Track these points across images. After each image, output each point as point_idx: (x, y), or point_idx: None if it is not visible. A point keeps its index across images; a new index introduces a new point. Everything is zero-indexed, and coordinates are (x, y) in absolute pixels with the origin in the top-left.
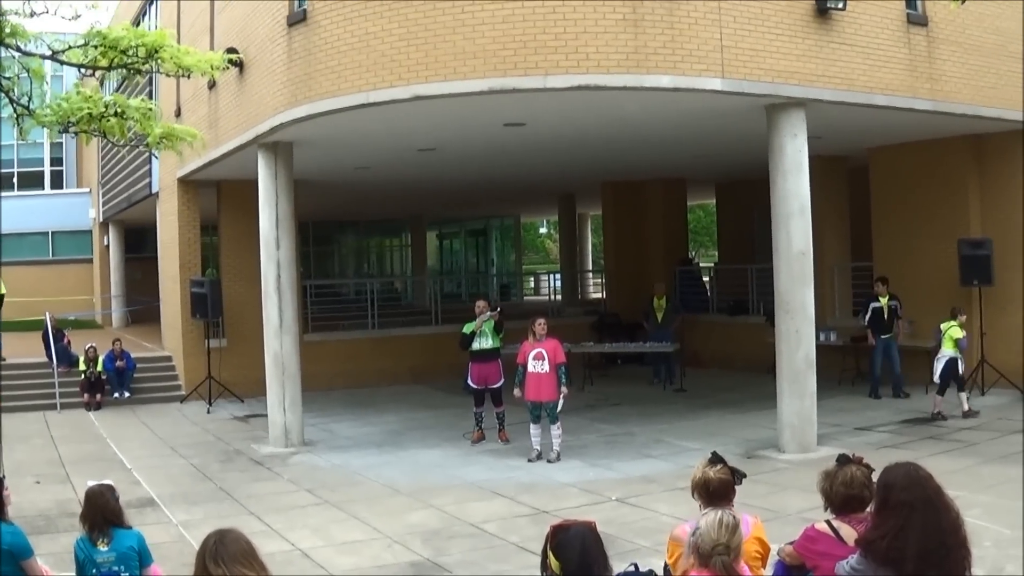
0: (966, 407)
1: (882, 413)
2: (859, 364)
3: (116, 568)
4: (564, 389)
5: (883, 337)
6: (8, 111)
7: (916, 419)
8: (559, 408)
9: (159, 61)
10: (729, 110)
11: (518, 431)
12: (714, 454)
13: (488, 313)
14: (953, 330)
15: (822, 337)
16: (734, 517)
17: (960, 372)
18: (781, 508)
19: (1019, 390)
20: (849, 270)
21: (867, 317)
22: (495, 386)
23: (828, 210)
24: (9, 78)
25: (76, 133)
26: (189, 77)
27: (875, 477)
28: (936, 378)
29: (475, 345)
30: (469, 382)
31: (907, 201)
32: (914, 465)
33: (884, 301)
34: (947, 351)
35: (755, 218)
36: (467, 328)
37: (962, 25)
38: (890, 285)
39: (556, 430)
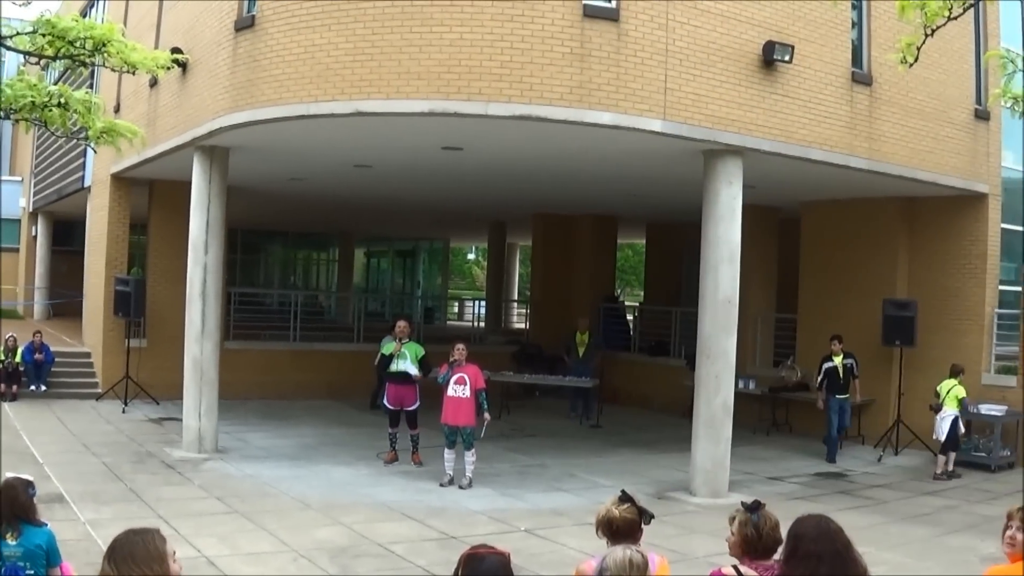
0: (951, 467)
1: (795, 464)
2: (775, 414)
3: (21, 564)
4: (486, 415)
5: (838, 397)
6: None
7: (828, 473)
8: (481, 433)
9: (106, 55)
10: (667, 152)
11: (432, 454)
12: (623, 492)
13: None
14: (956, 389)
15: (741, 385)
16: (642, 555)
17: (959, 431)
18: (689, 551)
19: (933, 453)
20: (773, 320)
21: (819, 378)
22: (410, 408)
23: (757, 259)
24: None
25: (16, 120)
26: (134, 73)
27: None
28: (941, 437)
29: (393, 367)
30: (385, 402)
31: (836, 257)
32: (825, 518)
33: (839, 360)
34: (950, 410)
35: (683, 261)
36: (386, 349)
37: (906, 88)
38: (842, 342)
39: (470, 456)
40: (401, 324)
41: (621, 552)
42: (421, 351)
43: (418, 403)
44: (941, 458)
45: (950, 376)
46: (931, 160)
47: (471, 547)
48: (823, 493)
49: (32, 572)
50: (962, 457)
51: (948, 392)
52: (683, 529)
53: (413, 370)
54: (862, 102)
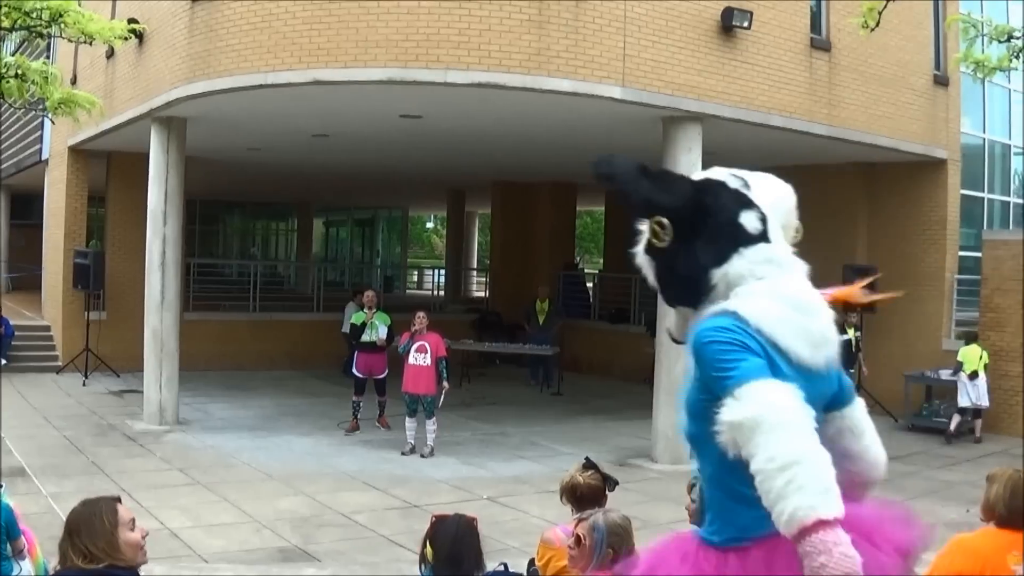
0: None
1: None
2: None
3: None
4: (445, 384)
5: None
6: None
7: None
8: (440, 402)
9: (63, 25)
10: (626, 119)
11: (394, 423)
12: (587, 460)
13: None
14: (984, 355)
15: None
16: (626, 516)
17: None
18: (651, 517)
19: (893, 418)
20: None
21: None
22: (380, 376)
23: None
24: None
25: None
26: (92, 44)
27: None
28: (984, 402)
29: (365, 336)
30: (354, 371)
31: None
32: None
33: (852, 333)
34: (983, 375)
35: None
36: (356, 319)
37: (865, 54)
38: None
39: (431, 425)
40: (369, 294)
41: (616, 515)
42: (388, 320)
43: (387, 371)
44: (957, 418)
45: (967, 343)
46: (890, 126)
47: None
48: None
49: None
50: (922, 423)
51: (980, 359)
52: (645, 496)
53: (386, 337)
54: (821, 68)
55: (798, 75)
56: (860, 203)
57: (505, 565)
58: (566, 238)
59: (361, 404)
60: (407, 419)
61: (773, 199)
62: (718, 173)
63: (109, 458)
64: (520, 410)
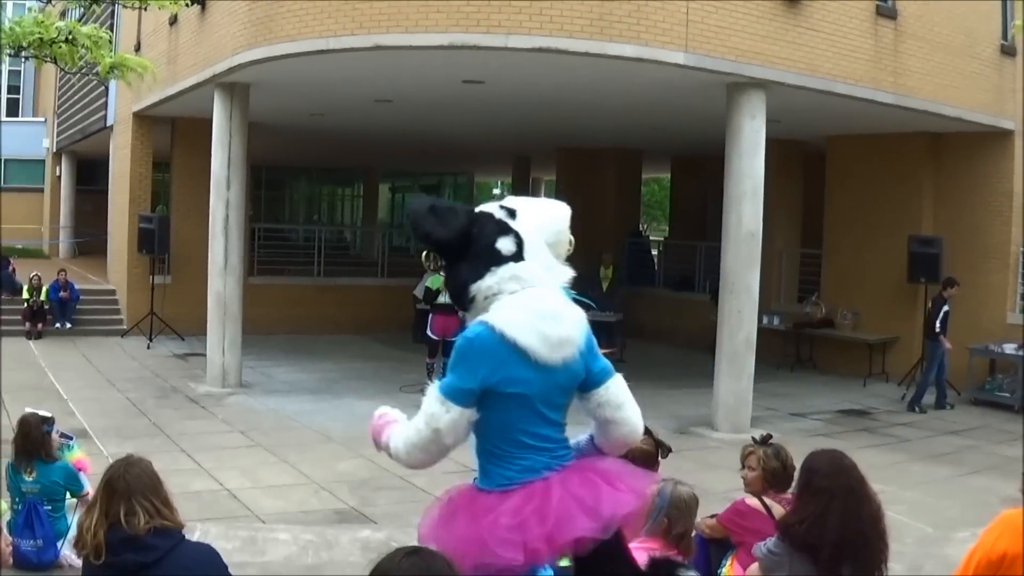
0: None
1: (818, 401)
2: (799, 351)
3: (39, 499)
4: None
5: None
6: None
7: (851, 410)
8: None
9: None
10: (690, 85)
11: None
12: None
13: None
14: None
15: (765, 320)
16: (695, 495)
17: None
18: (708, 486)
19: (956, 392)
20: (798, 255)
21: (939, 323)
22: (453, 338)
23: (781, 194)
24: None
25: (27, 58)
26: (146, 9)
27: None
28: None
29: (440, 299)
30: (429, 332)
31: (861, 192)
32: (839, 452)
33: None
34: None
35: (708, 196)
36: (432, 283)
37: (931, 22)
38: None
39: None
40: None
41: (683, 488)
42: None
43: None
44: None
45: None
46: (956, 95)
47: None
48: (845, 430)
49: (49, 508)
50: (985, 397)
51: None
52: (703, 464)
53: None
54: (887, 36)
55: (863, 42)
56: (926, 173)
57: None
58: (631, 205)
59: (435, 365)
60: None
61: (538, 223)
62: (489, 207)
63: (171, 420)
64: None
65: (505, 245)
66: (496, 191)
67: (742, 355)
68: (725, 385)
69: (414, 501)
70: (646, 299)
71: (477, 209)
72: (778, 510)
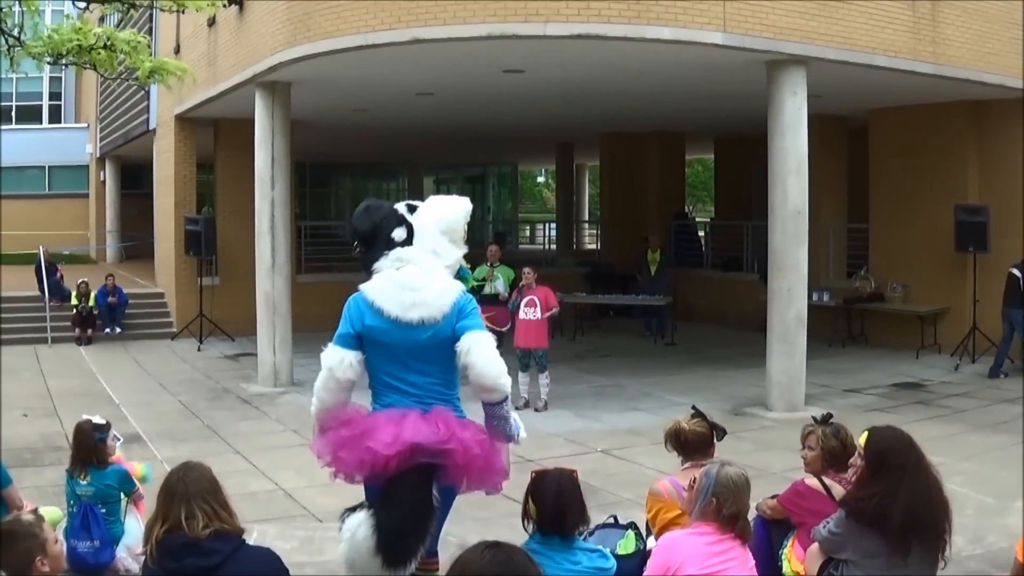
0: None
1: (872, 376)
2: (851, 326)
3: (94, 502)
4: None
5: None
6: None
7: (905, 384)
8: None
9: None
10: (729, 65)
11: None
12: (694, 408)
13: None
14: None
15: (815, 297)
16: (744, 474)
17: None
18: (765, 466)
19: (1010, 360)
20: (845, 231)
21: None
22: (502, 329)
23: (826, 170)
24: (2, 8)
25: (66, 65)
26: (184, 12)
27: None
28: None
29: (486, 290)
30: None
31: (906, 164)
32: (898, 429)
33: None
34: None
35: (753, 175)
36: (478, 273)
37: None
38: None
39: (544, 379)
40: (493, 248)
41: (731, 469)
42: (512, 273)
43: (509, 324)
44: None
45: None
46: (997, 62)
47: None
48: (901, 404)
49: (104, 510)
50: None
51: None
52: (760, 445)
53: (507, 289)
54: (924, 6)
55: (901, 14)
56: (970, 142)
57: (615, 517)
58: (676, 187)
59: None
60: (520, 374)
61: (434, 216)
62: (399, 205)
63: (224, 421)
64: (634, 361)
65: (398, 234)
66: (540, 179)
67: (793, 333)
68: (778, 364)
69: (471, 495)
70: (694, 281)
71: (391, 207)
72: (838, 490)
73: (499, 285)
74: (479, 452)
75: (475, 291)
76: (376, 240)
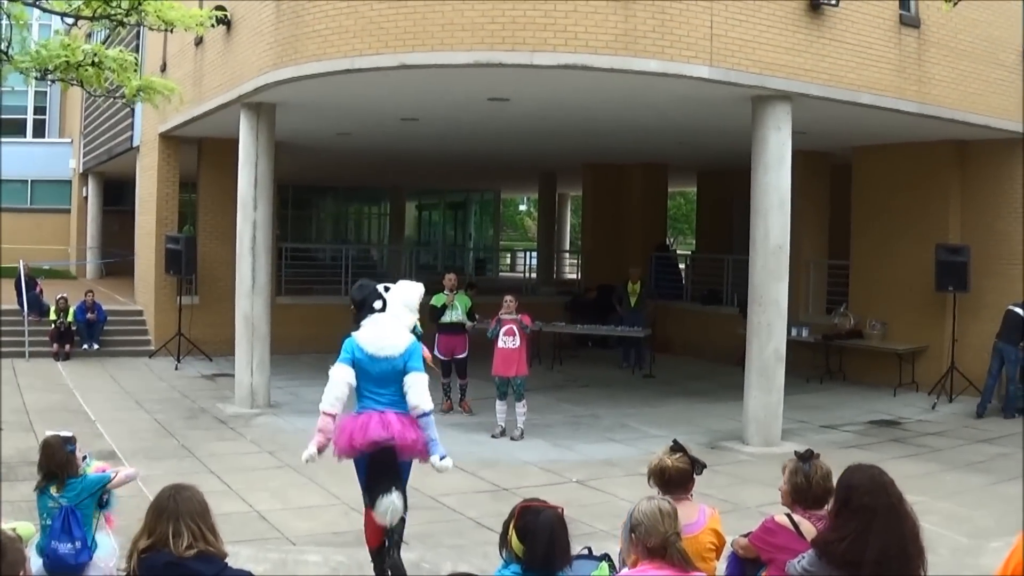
0: None
1: (849, 413)
2: (829, 362)
3: (65, 515)
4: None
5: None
6: None
7: (882, 421)
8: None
9: (143, 14)
10: (715, 99)
11: (483, 406)
12: (675, 442)
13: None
14: None
15: (794, 332)
16: (669, 502)
17: None
18: (740, 501)
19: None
20: (826, 267)
21: None
22: (460, 356)
23: (808, 206)
24: None
25: (54, 80)
26: (172, 31)
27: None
28: None
29: (445, 318)
30: (436, 352)
31: (888, 202)
32: (878, 469)
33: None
34: None
35: (735, 209)
36: (437, 301)
37: (954, 30)
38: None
39: (521, 407)
40: (451, 276)
41: (647, 503)
42: (469, 302)
43: (467, 352)
44: None
45: None
46: (982, 103)
47: (525, 500)
48: (877, 441)
49: (74, 519)
50: (1014, 404)
51: None
52: (735, 479)
53: (464, 319)
54: (910, 45)
55: (887, 52)
56: (953, 181)
57: (589, 549)
58: (658, 219)
59: (450, 385)
60: (497, 402)
61: (400, 295)
62: (380, 287)
63: (200, 441)
64: (612, 392)
65: (377, 305)
66: (522, 207)
67: (772, 368)
68: (755, 399)
69: (445, 521)
70: (674, 313)
71: (375, 286)
72: (807, 527)
73: (459, 315)
74: (409, 440)
75: (436, 319)
76: (364, 306)
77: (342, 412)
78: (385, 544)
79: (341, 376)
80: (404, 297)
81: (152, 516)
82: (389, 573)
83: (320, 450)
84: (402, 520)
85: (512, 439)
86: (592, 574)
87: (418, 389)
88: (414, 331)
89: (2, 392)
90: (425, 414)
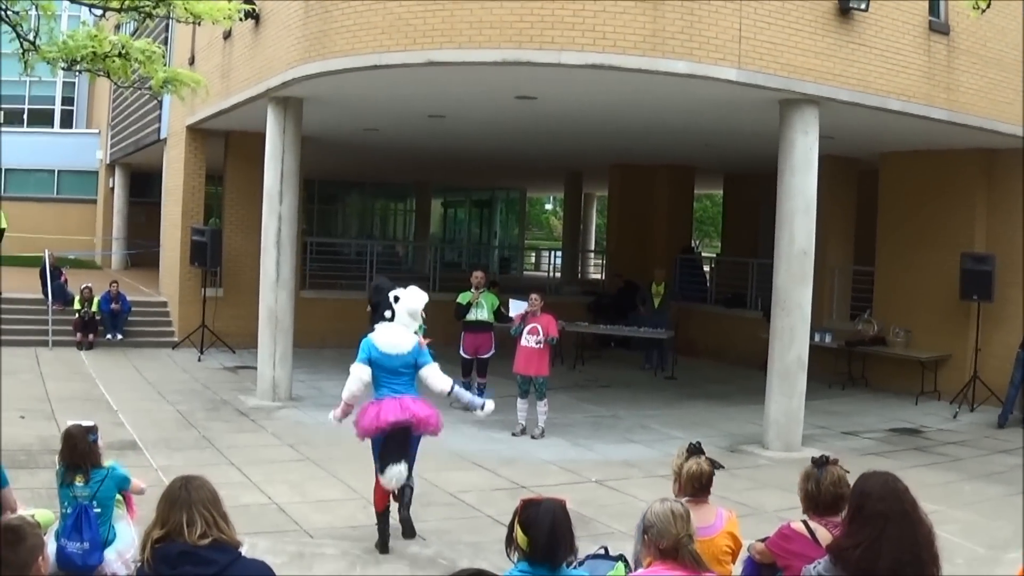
0: None
1: (870, 420)
2: (851, 368)
3: (89, 503)
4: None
5: None
6: (15, 46)
7: (903, 429)
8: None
9: (171, 6)
10: (742, 102)
11: (504, 404)
12: (695, 444)
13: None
14: None
15: (817, 338)
16: (682, 504)
17: None
18: (759, 505)
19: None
20: (850, 272)
21: None
22: (485, 356)
23: (834, 211)
24: (18, 12)
25: (80, 71)
26: (200, 24)
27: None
28: None
29: (470, 316)
30: (461, 352)
31: (914, 209)
32: (892, 476)
33: None
34: None
35: (761, 213)
36: (462, 298)
37: (984, 38)
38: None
39: (543, 406)
40: (478, 274)
41: (660, 504)
42: (495, 300)
43: (493, 351)
44: None
45: None
46: (1011, 112)
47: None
48: (897, 449)
49: (99, 510)
50: None
51: None
52: (754, 483)
53: (489, 318)
54: (940, 52)
55: (916, 58)
56: (980, 190)
57: (605, 549)
58: (684, 221)
59: (469, 384)
60: (519, 400)
61: (407, 304)
62: (391, 294)
63: (220, 433)
64: (633, 393)
65: (388, 313)
66: (548, 206)
67: (794, 373)
68: (776, 403)
69: (463, 517)
70: (697, 316)
71: (388, 292)
72: (823, 533)
73: (484, 313)
74: (423, 416)
75: (461, 316)
76: (377, 311)
77: (361, 400)
78: (388, 509)
79: (358, 374)
80: (409, 307)
81: (164, 506)
82: (397, 533)
83: (343, 416)
84: (410, 488)
85: (533, 437)
86: (608, 574)
87: (435, 378)
88: (420, 330)
89: (25, 380)
90: (451, 390)
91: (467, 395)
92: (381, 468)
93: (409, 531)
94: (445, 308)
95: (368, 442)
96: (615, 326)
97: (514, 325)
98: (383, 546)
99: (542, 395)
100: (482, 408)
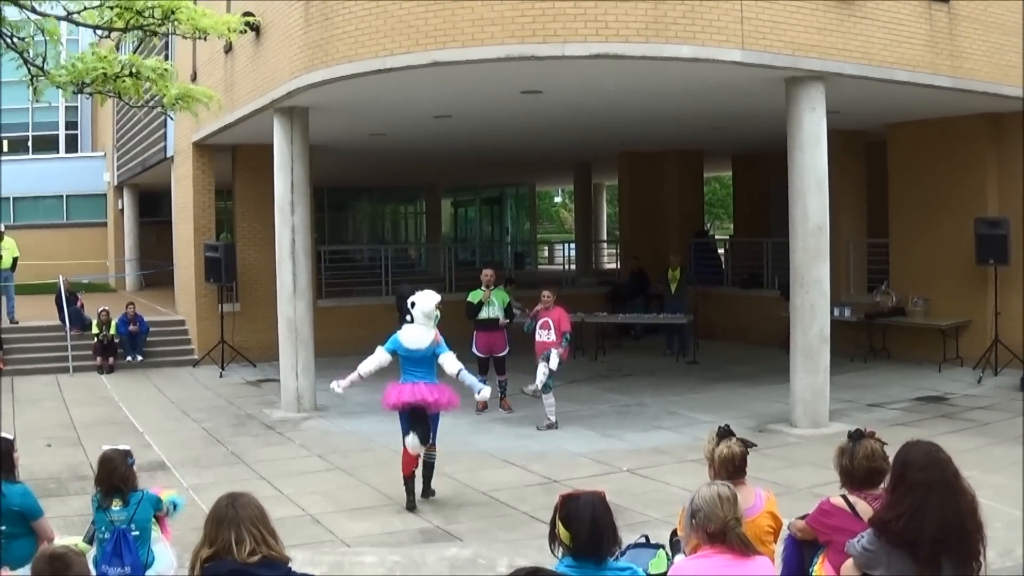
0: None
1: (895, 390)
2: (872, 341)
3: (127, 527)
4: (562, 348)
5: None
6: (22, 72)
7: (928, 397)
8: (554, 364)
9: (175, 22)
10: (748, 82)
11: (527, 402)
12: (722, 428)
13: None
14: None
15: (836, 312)
16: (728, 487)
17: None
18: (792, 483)
19: None
20: (865, 246)
21: None
22: (500, 355)
23: (845, 185)
24: (24, 38)
25: (91, 94)
26: (205, 39)
27: (889, 453)
28: None
29: (482, 314)
30: (474, 350)
31: (925, 178)
32: (935, 445)
33: None
34: None
35: (772, 192)
36: (473, 297)
37: (984, 3)
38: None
39: (549, 399)
40: (488, 272)
41: (707, 488)
42: (507, 298)
43: (508, 349)
44: None
45: None
46: (1015, 75)
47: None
48: (924, 418)
49: (137, 533)
50: None
51: None
52: (785, 461)
53: (501, 316)
54: (941, 19)
55: (919, 28)
56: (989, 154)
57: (646, 537)
58: (695, 205)
59: (485, 382)
60: (544, 395)
61: (421, 307)
62: (408, 300)
63: (248, 448)
64: (657, 380)
65: (406, 314)
66: (557, 199)
67: (817, 349)
68: (801, 380)
69: (499, 516)
70: (715, 299)
71: (407, 298)
72: (863, 507)
73: (496, 311)
74: (432, 400)
75: (473, 315)
76: (401, 313)
77: (372, 373)
78: (414, 474)
79: (380, 358)
80: (423, 309)
81: (212, 525)
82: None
83: (348, 386)
84: (432, 455)
85: (538, 429)
86: (650, 562)
87: (449, 363)
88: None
89: (48, 407)
90: (459, 373)
91: (470, 378)
92: (404, 435)
93: (427, 492)
94: (463, 308)
95: (395, 443)
96: (634, 314)
97: (527, 322)
98: (411, 506)
99: (548, 389)
100: (478, 392)
